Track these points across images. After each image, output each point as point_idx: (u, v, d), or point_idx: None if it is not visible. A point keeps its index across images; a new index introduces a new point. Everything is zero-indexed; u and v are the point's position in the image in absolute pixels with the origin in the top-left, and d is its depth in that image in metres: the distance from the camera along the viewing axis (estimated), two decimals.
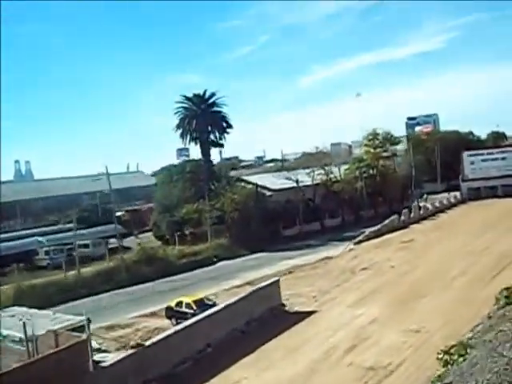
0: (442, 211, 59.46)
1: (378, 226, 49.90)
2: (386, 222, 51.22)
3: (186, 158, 75.25)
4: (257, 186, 59.54)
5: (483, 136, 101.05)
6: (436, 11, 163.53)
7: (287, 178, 59.03)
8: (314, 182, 61.80)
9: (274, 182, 60.54)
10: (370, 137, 68.33)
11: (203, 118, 59.65)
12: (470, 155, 65.95)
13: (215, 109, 61.73)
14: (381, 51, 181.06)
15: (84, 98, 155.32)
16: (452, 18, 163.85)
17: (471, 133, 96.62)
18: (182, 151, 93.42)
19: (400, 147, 79.64)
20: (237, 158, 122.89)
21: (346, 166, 68.82)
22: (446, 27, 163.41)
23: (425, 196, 70.63)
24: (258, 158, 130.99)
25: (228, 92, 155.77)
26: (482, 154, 65.84)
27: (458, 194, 65.58)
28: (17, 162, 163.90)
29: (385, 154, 69.29)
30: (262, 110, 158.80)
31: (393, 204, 67.40)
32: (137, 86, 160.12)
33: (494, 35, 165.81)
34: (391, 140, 70.23)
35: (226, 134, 62.56)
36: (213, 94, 61.77)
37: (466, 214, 56.67)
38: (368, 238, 47.38)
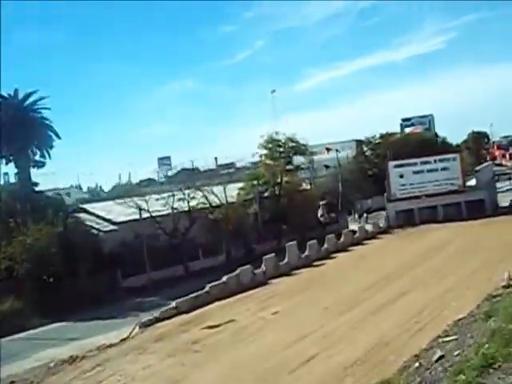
0: (344, 250, 42.43)
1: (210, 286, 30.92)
2: (233, 274, 32.91)
3: None
4: (98, 216, 41.79)
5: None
6: (434, 12, 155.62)
7: (136, 206, 41.08)
8: (182, 209, 44.24)
9: (121, 211, 42.55)
10: (269, 145, 51.17)
11: (16, 128, 40.82)
12: (398, 166, 49.25)
13: (34, 115, 42.80)
14: (378, 54, 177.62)
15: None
16: (450, 18, 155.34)
17: (436, 134, 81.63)
18: None
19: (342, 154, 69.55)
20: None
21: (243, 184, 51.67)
22: (443, 28, 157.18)
23: (365, 215, 54.11)
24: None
25: (223, 97, 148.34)
26: (415, 164, 49.19)
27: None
28: None
29: (290, 167, 52.61)
30: (256, 116, 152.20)
31: (306, 231, 50.24)
32: (131, 93, 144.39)
33: (492, 34, 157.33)
34: (300, 147, 53.18)
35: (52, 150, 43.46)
36: (30, 94, 42.89)
37: (374, 253, 39.63)
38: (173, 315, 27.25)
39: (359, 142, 77.38)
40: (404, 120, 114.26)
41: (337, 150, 74.58)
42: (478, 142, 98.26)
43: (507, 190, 75.07)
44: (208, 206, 45.72)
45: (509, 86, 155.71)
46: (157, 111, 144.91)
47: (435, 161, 48.78)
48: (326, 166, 74.11)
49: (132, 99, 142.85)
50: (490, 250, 33.65)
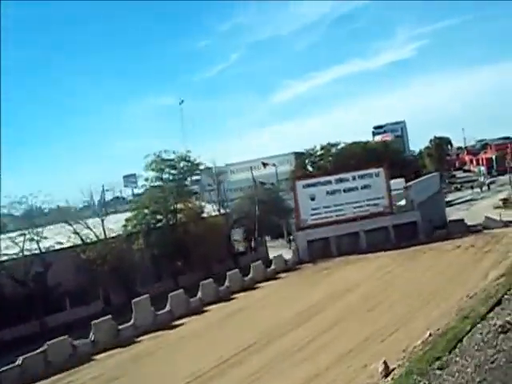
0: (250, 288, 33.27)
1: None
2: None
3: None
4: None
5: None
6: (408, 18, 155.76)
7: None
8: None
9: None
10: (153, 165, 41.59)
11: None
12: (308, 186, 39.82)
13: None
14: (353, 62, 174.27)
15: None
16: (423, 24, 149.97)
17: (403, 142, 73.40)
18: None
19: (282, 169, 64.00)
20: None
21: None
22: (417, 34, 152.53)
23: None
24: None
25: (202, 111, 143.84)
26: (329, 183, 39.78)
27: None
28: None
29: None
30: (234, 128, 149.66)
31: (214, 265, 41.01)
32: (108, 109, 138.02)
33: (465, 40, 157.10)
34: (192, 167, 43.65)
35: None
36: None
37: (252, 308, 30.11)
38: None
39: (299, 155, 68.76)
40: (376, 127, 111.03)
41: (274, 165, 67.37)
42: (440, 148, 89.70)
43: (466, 201, 67.84)
44: (80, 243, 36.56)
45: (482, 89, 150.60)
46: (128, 126, 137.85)
47: (354, 177, 39.40)
48: (262, 183, 65.57)
49: (102, 115, 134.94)
50: (394, 305, 24.60)
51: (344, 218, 39.41)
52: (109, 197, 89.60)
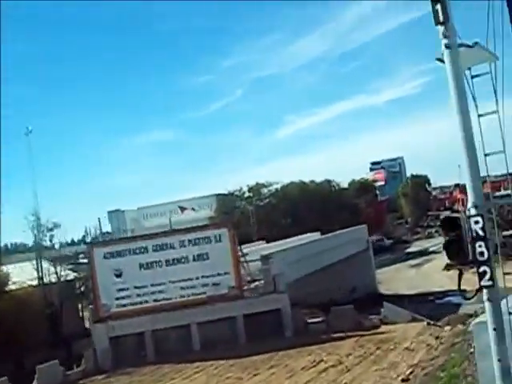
0: None
1: None
2: None
3: None
4: None
5: None
6: (411, 55, 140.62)
7: None
8: None
9: None
10: None
11: None
12: (112, 255, 26.45)
13: None
14: (355, 99, 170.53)
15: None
16: (426, 60, 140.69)
17: (328, 181, 63.31)
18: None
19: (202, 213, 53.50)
20: None
21: None
22: (420, 71, 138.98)
23: None
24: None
25: (203, 147, 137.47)
26: (143, 251, 26.41)
27: None
28: None
29: None
30: (235, 165, 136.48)
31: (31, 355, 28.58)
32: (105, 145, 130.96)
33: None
34: None
35: None
36: None
37: None
38: None
39: (221, 198, 56.96)
40: (373, 163, 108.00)
41: (193, 209, 56.84)
42: (417, 187, 75.81)
43: (430, 253, 54.11)
44: None
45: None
46: (125, 161, 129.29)
47: (182, 243, 26.17)
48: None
49: (99, 149, 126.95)
50: None
51: (167, 303, 26.15)
52: None
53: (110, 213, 58.76)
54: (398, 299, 31.50)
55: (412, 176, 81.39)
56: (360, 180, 72.97)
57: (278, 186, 57.69)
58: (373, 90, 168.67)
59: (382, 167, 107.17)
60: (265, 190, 56.55)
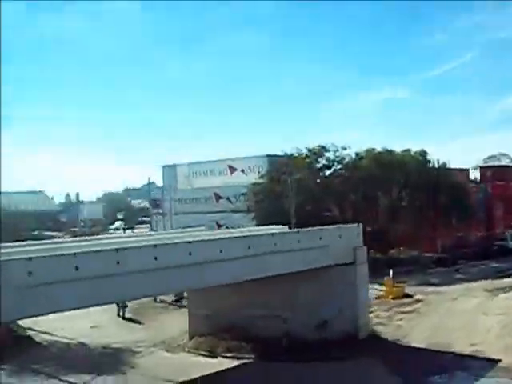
0: None
1: None
2: None
3: None
4: None
5: None
6: None
7: None
8: None
9: None
10: None
11: None
12: None
13: None
14: None
15: None
16: None
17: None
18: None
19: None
20: None
21: None
22: None
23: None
24: None
25: (427, 107, 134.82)
26: None
27: None
28: None
29: None
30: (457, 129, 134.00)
31: None
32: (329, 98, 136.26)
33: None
34: None
35: None
36: None
37: None
38: None
39: (274, 158, 46.50)
40: None
41: (242, 171, 48.76)
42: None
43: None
44: None
45: None
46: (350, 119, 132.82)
47: None
48: (218, 197, 49.19)
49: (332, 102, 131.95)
50: None
51: None
52: None
53: (164, 167, 54.36)
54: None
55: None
56: None
57: (351, 153, 44.96)
58: None
59: None
60: (327, 155, 44.86)
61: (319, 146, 44.51)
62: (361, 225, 25.72)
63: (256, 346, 22.81)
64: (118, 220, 79.99)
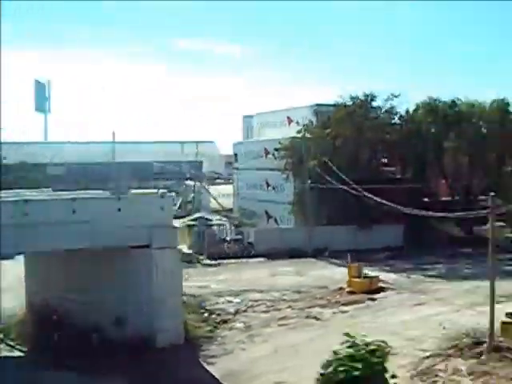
0: None
1: None
2: None
3: None
4: None
5: None
6: None
7: None
8: None
9: None
10: None
11: None
12: None
13: None
14: None
15: None
16: None
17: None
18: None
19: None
20: None
21: None
22: None
23: None
24: None
25: None
26: None
27: None
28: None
29: None
30: None
31: None
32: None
33: None
34: None
35: None
36: None
37: None
38: None
39: (323, 108, 41.50)
40: None
41: (297, 123, 43.08)
42: None
43: None
44: None
45: None
46: None
47: None
48: (267, 153, 44.87)
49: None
50: None
51: None
52: None
53: (245, 117, 53.98)
54: None
55: None
56: None
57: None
58: None
59: None
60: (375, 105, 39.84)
61: (366, 94, 39.19)
62: (171, 196, 22.09)
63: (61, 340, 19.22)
64: None
